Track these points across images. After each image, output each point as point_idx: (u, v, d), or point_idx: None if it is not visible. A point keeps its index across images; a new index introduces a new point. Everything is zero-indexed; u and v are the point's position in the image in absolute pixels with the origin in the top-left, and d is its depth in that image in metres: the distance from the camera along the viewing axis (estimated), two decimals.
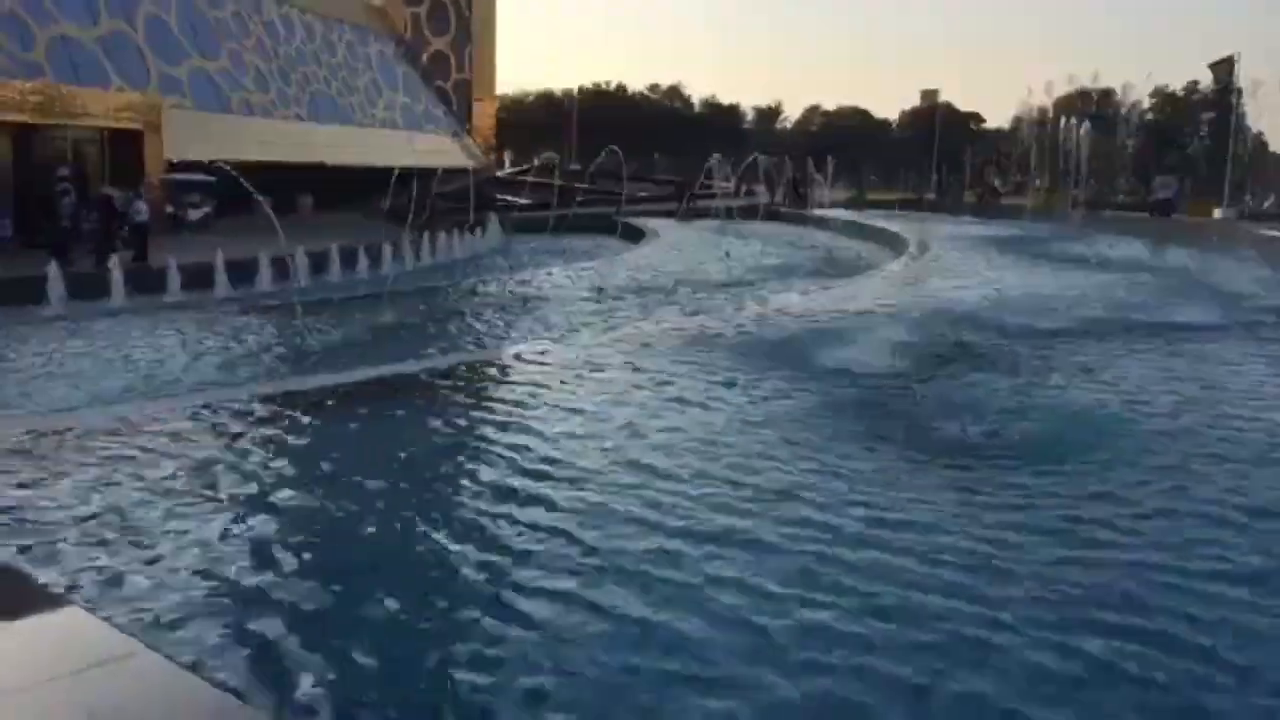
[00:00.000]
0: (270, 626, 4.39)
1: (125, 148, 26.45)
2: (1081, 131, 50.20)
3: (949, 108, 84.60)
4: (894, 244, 28.55)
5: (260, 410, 8.19)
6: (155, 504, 5.91)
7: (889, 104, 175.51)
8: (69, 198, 21.87)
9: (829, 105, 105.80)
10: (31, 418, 8.96)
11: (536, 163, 51.75)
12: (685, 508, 6.04)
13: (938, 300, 16.07)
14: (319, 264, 22.25)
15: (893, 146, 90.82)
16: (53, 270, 16.54)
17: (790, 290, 19.10)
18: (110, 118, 26.14)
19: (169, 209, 27.23)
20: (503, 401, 8.90)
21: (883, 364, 10.44)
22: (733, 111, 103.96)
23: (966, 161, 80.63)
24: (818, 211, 46.24)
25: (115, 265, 17.90)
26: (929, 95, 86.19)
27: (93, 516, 5.65)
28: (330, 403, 8.67)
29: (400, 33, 56.17)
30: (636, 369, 10.09)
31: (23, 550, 5.08)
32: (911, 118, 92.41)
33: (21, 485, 6.15)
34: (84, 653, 3.03)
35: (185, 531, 5.50)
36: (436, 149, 51.91)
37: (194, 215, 28.31)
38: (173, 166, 28.60)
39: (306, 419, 8.08)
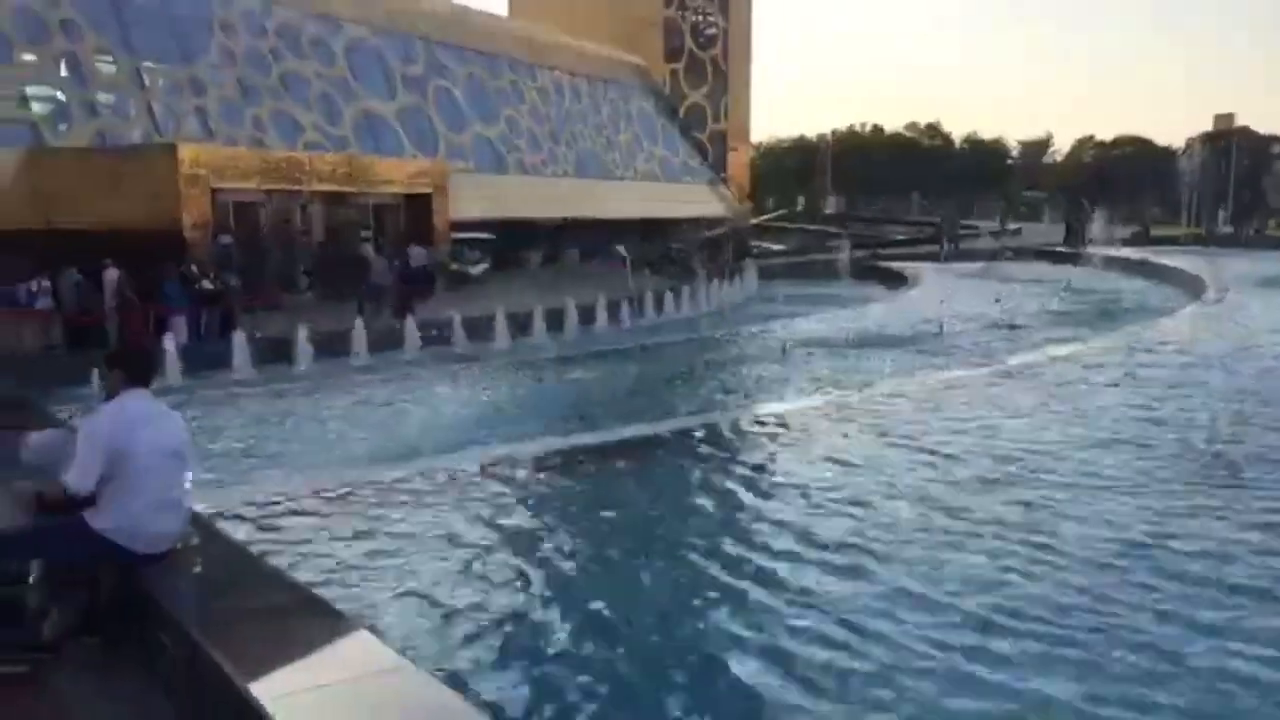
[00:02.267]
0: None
1: (416, 210, 28.95)
2: None
3: (1246, 131, 76.79)
4: (1189, 285, 26.11)
5: (549, 463, 8.58)
6: (450, 551, 6.28)
7: (1173, 131, 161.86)
8: (376, 256, 24.08)
9: (1104, 135, 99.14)
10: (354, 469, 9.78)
11: (786, 210, 51.79)
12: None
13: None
14: (586, 316, 23.23)
15: (1179, 177, 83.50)
16: (358, 325, 18.27)
17: (1074, 339, 17.84)
18: (406, 184, 28.71)
19: (452, 265, 29.39)
20: (788, 460, 8.79)
21: None
22: (996, 147, 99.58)
23: (1268, 190, 72.79)
24: (1095, 250, 43.14)
25: (410, 320, 19.49)
26: (1223, 120, 78.58)
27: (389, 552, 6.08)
28: (618, 460, 8.94)
29: (660, 88, 58.24)
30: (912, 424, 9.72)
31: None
32: (1202, 144, 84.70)
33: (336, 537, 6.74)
34: (362, 664, 3.49)
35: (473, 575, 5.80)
36: (694, 199, 53.22)
37: (474, 270, 30.44)
38: (454, 225, 30.97)
39: (592, 471, 8.37)
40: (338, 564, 6.15)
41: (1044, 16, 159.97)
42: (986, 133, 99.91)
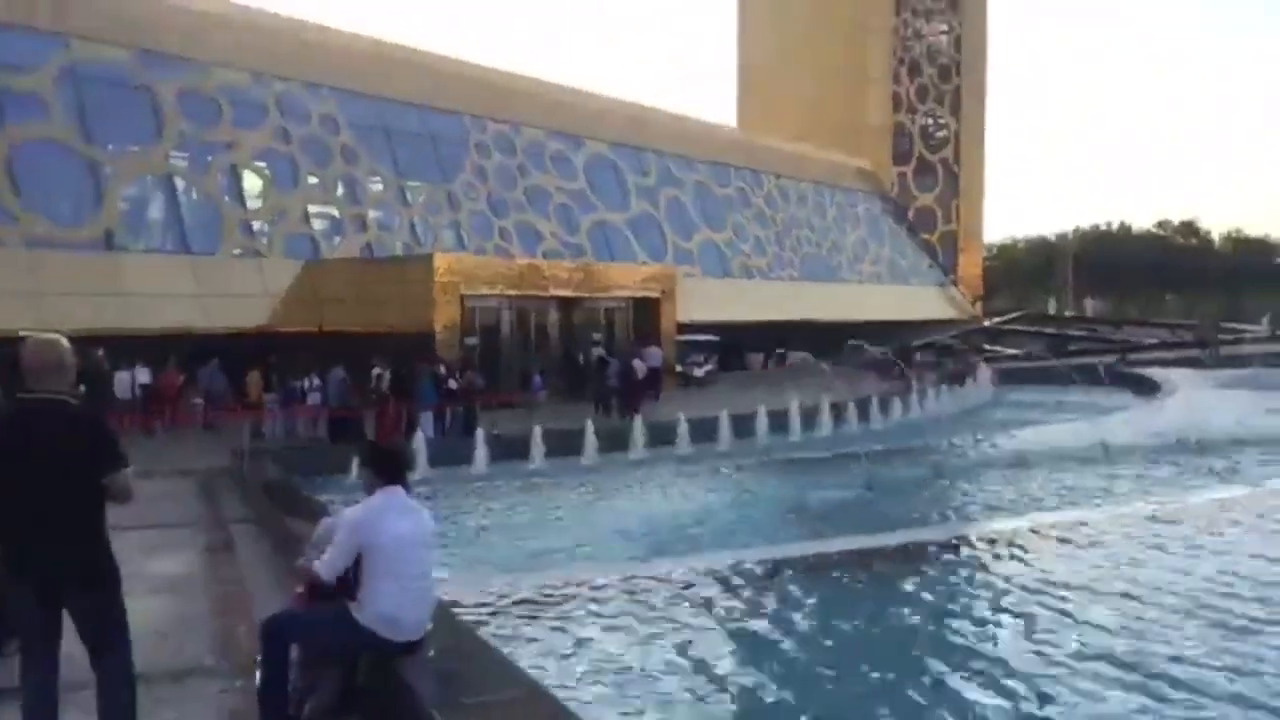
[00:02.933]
0: None
1: (644, 312, 29.98)
2: None
3: None
4: None
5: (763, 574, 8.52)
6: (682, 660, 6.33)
7: None
8: (611, 360, 25.03)
9: None
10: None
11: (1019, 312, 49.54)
12: None
13: None
14: (809, 418, 23.02)
15: None
16: (589, 427, 18.96)
17: None
18: (635, 288, 29.86)
19: (678, 367, 30.06)
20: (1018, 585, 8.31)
21: None
22: (1264, 244, 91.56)
23: None
24: None
25: (638, 422, 20.01)
26: None
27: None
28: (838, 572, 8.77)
29: (887, 191, 58.01)
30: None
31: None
32: None
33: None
34: None
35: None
36: (922, 300, 52.11)
37: (699, 372, 30.98)
38: (682, 328, 31.76)
39: (817, 585, 8.24)
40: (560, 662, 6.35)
41: None
42: (1252, 230, 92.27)
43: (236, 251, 25.81)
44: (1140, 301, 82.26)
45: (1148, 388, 31.33)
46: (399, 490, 4.65)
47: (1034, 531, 10.53)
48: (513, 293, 26.11)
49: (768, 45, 62.04)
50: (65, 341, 4.04)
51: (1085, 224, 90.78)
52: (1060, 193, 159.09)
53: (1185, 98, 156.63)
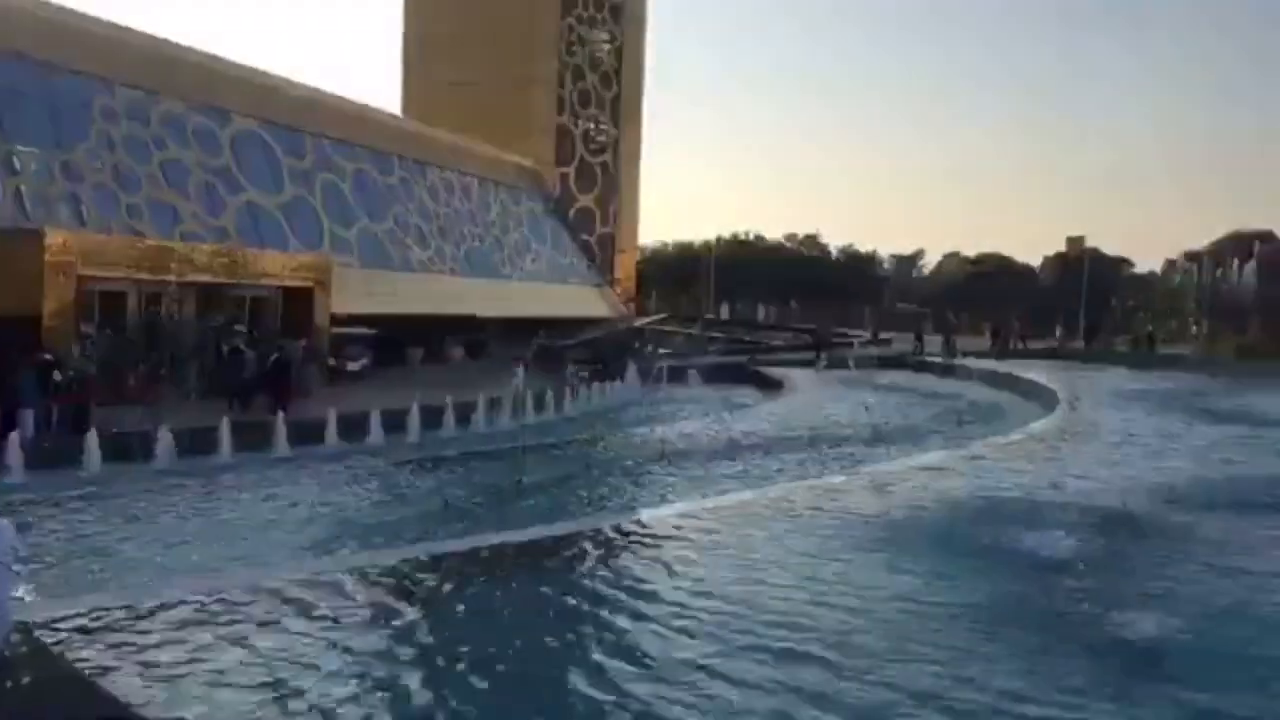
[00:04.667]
0: None
1: (296, 303, 28.55)
2: (1245, 273, 47.95)
3: (1096, 253, 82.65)
4: (1042, 397, 27.67)
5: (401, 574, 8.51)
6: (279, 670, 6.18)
7: (1032, 249, 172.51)
8: (250, 351, 23.51)
9: (969, 251, 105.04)
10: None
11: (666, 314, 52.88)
12: None
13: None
14: (464, 414, 23.13)
15: (1038, 294, 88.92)
16: (224, 423, 17.79)
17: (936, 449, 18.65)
18: (286, 277, 28.36)
19: (330, 360, 28.94)
20: (637, 575, 8.90)
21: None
22: (870, 260, 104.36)
23: (1117, 308, 77.99)
24: (959, 361, 45.28)
25: (280, 418, 19.06)
26: (1075, 243, 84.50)
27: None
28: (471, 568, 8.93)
29: (550, 191, 59.41)
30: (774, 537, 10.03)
31: None
32: (1056, 263, 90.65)
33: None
34: None
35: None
36: (579, 299, 53.99)
37: (353, 366, 30.02)
38: (336, 320, 30.60)
39: (448, 585, 8.34)
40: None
41: (913, 134, 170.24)
42: (862, 245, 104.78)
43: None
44: (771, 306, 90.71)
45: (774, 385, 34.75)
46: None
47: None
48: (143, 277, 23.86)
49: (435, 33, 61.25)
50: None
51: (726, 233, 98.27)
52: (707, 202, 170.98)
53: (814, 123, 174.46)
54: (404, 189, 43.35)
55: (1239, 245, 67.16)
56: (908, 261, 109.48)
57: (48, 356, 18.69)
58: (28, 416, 17.15)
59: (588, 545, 9.81)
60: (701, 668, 6.42)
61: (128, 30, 32.17)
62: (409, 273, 40.77)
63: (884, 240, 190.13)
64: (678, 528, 10.71)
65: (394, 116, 52.39)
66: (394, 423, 20.93)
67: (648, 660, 6.57)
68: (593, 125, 65.16)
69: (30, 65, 27.83)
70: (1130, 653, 6.92)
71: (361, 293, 33.75)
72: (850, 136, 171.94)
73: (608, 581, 8.57)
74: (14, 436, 15.68)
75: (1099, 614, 7.69)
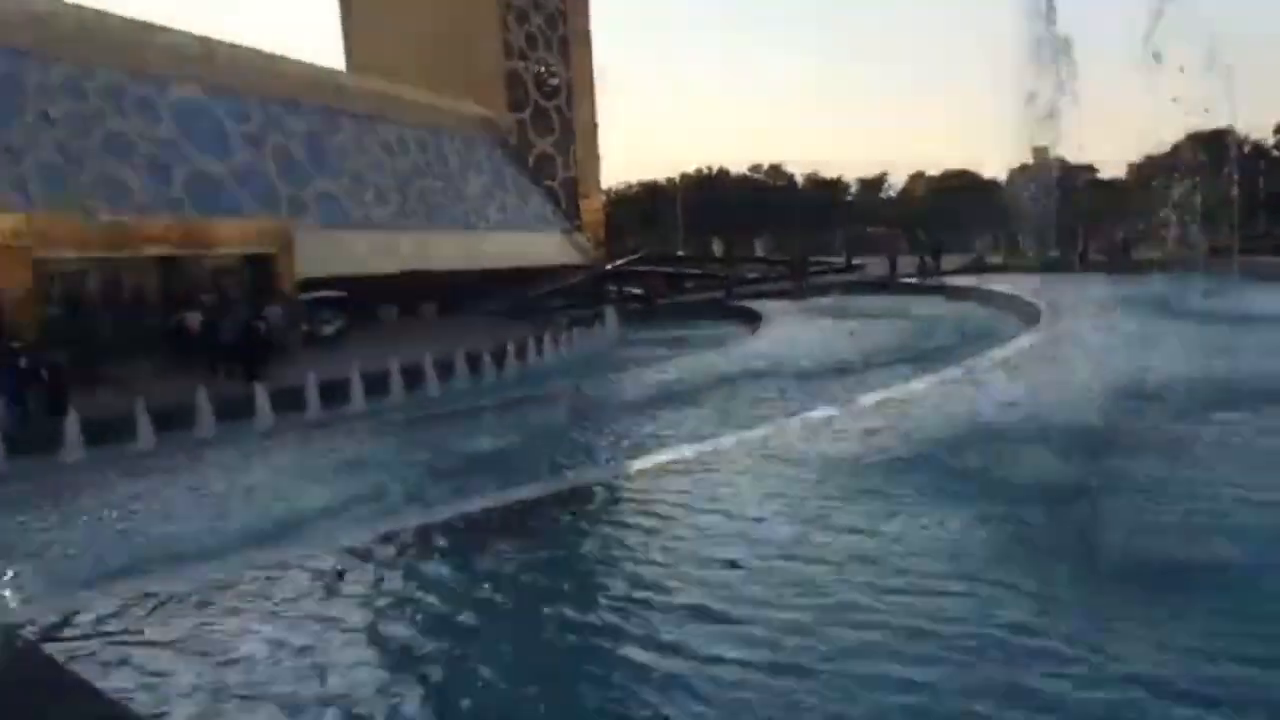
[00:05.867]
0: None
1: (261, 269, 27.74)
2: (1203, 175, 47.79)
3: (1062, 162, 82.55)
4: (1025, 312, 27.45)
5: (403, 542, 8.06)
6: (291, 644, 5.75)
7: (998, 164, 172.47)
8: (226, 319, 22.76)
9: (934, 171, 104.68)
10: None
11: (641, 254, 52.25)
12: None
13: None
14: (445, 371, 22.58)
15: (1005, 207, 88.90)
16: (202, 396, 17.18)
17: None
18: (245, 244, 27.49)
19: (304, 326, 28.22)
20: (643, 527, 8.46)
21: None
22: (836, 185, 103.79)
23: (1085, 216, 78.11)
24: (934, 280, 45.09)
25: (260, 387, 18.45)
26: (1040, 152, 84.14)
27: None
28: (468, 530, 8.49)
29: (507, 138, 58.19)
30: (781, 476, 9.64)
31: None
32: (1022, 175, 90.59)
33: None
34: None
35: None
36: (547, 247, 53.17)
37: (327, 330, 29.30)
38: (305, 284, 29.80)
39: (449, 550, 7.90)
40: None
41: (869, 54, 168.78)
42: (827, 172, 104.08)
43: None
44: (741, 239, 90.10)
45: (753, 318, 34.35)
46: None
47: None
48: (100, 254, 22.99)
49: None
50: None
51: (690, 169, 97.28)
52: (667, 140, 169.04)
53: (769, 52, 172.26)
54: (357, 146, 42.20)
55: (1194, 146, 67.21)
56: (873, 185, 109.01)
57: (14, 344, 17.96)
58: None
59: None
60: None
61: (55, 2, 30.67)
62: (371, 231, 39.84)
63: (849, 167, 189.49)
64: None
65: (340, 73, 50.92)
66: (375, 386, 20.32)
67: None
68: (543, 68, 63.71)
69: None
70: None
71: (325, 255, 32.90)
72: (805, 60, 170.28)
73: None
74: None
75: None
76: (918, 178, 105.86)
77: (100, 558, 9.79)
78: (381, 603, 6.52)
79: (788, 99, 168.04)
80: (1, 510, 12.33)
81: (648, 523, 7.94)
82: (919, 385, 14.23)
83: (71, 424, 15.57)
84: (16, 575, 9.36)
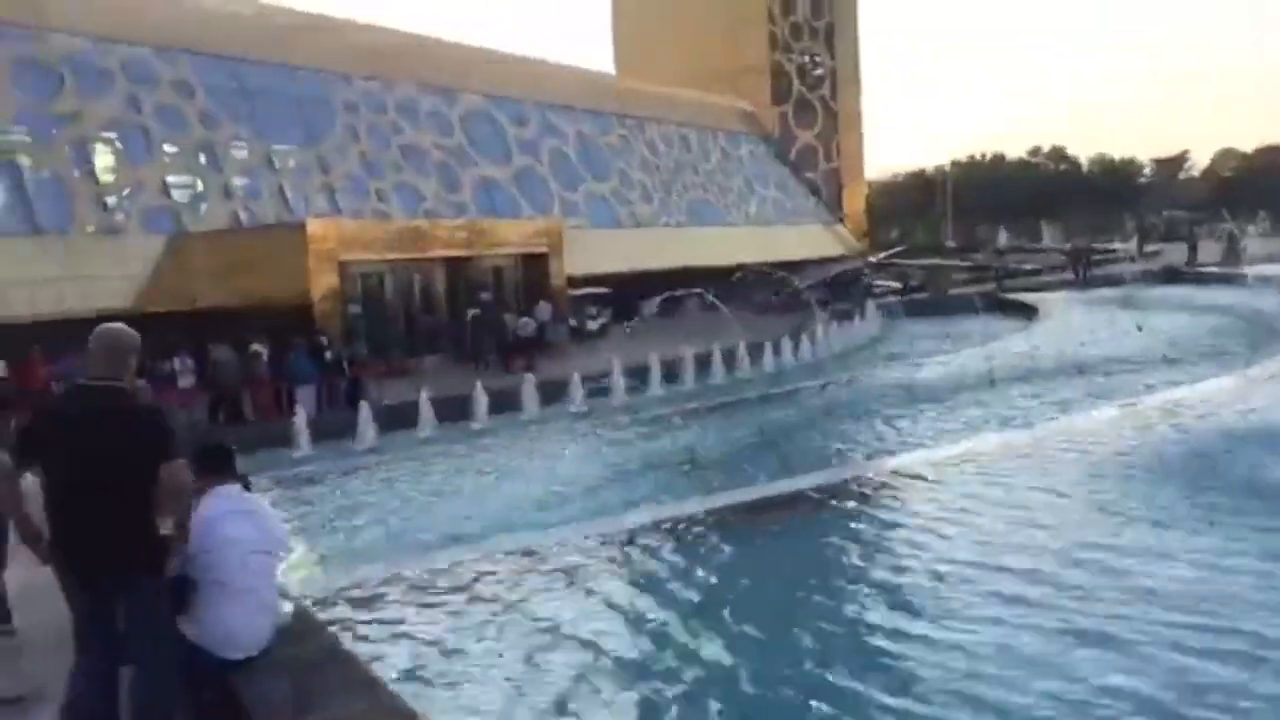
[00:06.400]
0: None
1: (534, 269, 29.34)
2: None
3: None
4: None
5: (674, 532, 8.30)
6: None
7: None
8: (504, 316, 24.53)
9: (1245, 146, 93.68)
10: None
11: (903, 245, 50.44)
12: None
13: None
14: (703, 365, 22.94)
15: None
16: (478, 388, 18.45)
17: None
18: (523, 244, 29.20)
19: (571, 321, 29.60)
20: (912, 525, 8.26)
21: None
22: (1128, 167, 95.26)
23: None
24: (1244, 270, 40.38)
25: (529, 380, 19.56)
26: None
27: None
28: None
29: (769, 132, 58.09)
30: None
31: None
32: None
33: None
34: None
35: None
36: (809, 240, 52.58)
37: (592, 325, 30.60)
38: (572, 282, 31.22)
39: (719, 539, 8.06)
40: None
41: (1167, 28, 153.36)
42: (1117, 153, 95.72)
43: (90, 229, 24.19)
44: (1018, 227, 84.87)
45: (1028, 312, 32.32)
46: (233, 488, 4.21)
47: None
48: (395, 256, 25.21)
49: None
50: (127, 330, 4.11)
51: (962, 156, 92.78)
52: (936, 126, 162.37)
53: (1052, 29, 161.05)
54: (624, 147, 43.65)
55: None
56: (1170, 165, 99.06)
57: (321, 339, 20.11)
58: (308, 395, 18.52)
59: None
60: None
61: (349, 24, 33.98)
62: (635, 229, 41.11)
63: (1142, 146, 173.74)
64: None
65: (609, 76, 52.86)
66: (636, 380, 21.01)
67: None
68: (807, 59, 62.97)
69: (278, 68, 30.00)
70: None
71: (592, 253, 34.29)
72: (1090, 35, 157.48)
73: None
74: (300, 412, 16.95)
75: None
76: (1226, 154, 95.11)
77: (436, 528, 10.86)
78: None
79: (1070, 77, 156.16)
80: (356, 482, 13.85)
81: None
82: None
83: (365, 412, 17.16)
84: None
